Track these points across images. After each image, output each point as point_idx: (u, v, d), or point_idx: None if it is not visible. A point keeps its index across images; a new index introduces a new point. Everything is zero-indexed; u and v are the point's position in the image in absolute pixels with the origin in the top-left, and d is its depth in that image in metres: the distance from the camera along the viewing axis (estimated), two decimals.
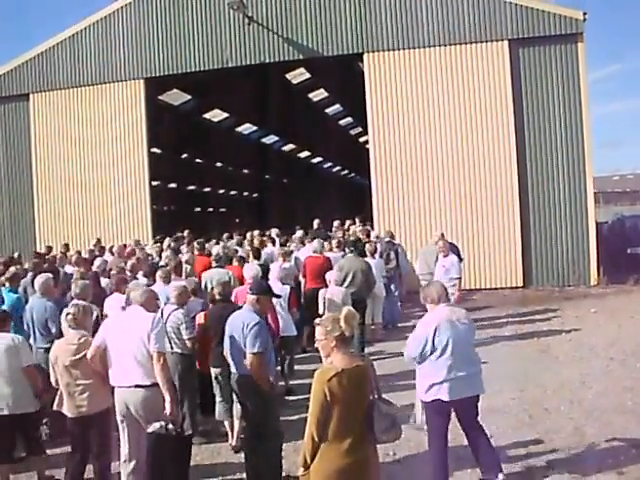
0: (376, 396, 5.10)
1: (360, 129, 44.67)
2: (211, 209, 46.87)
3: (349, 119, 45.82)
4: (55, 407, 6.90)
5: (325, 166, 60.38)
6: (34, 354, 8.28)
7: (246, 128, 43.00)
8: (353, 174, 62.88)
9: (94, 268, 12.43)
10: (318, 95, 39.17)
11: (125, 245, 16.89)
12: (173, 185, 39.30)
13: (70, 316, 6.88)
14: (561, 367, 10.93)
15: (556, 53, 18.88)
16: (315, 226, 19.75)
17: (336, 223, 19.70)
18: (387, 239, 15.70)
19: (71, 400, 6.69)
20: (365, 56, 20.16)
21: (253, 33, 20.52)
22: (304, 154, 54.15)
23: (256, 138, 45.66)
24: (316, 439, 4.82)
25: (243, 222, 25.13)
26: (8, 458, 7.20)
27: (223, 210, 47.92)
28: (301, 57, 20.99)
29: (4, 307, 8.31)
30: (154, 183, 24.02)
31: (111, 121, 21.77)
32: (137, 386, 6.45)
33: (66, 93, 22.10)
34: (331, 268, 12.40)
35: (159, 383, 6.39)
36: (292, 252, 14.28)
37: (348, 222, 20.89)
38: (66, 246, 17.96)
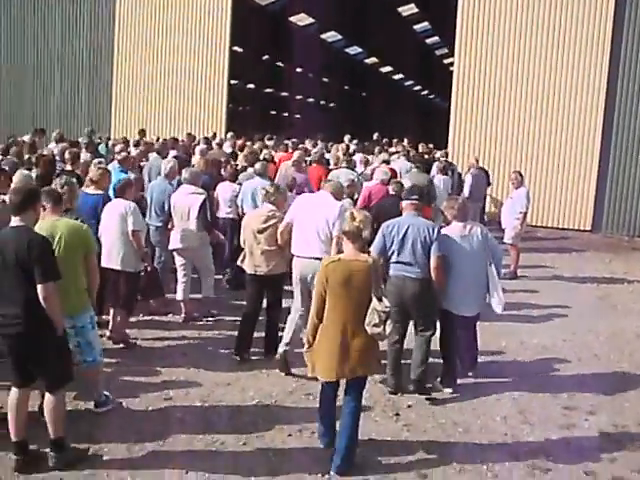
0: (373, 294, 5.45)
1: (446, 50, 43.45)
2: (286, 114, 46.70)
3: (436, 38, 44.55)
4: (239, 262, 8.21)
5: (406, 84, 59.24)
6: (148, 231, 9.35)
7: (331, 36, 42.32)
8: (433, 95, 61.64)
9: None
10: (407, 10, 38.03)
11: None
12: (251, 86, 39.17)
13: (265, 191, 8.15)
14: (618, 316, 10.78)
15: None
16: (374, 138, 21.09)
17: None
18: (443, 158, 16.82)
19: (251, 259, 7.95)
20: None
21: None
22: (386, 69, 53.15)
23: (340, 47, 44.93)
24: (315, 319, 5.62)
25: (318, 130, 25.00)
26: (122, 304, 8.33)
27: (298, 116, 47.70)
28: None
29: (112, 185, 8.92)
30: (232, 82, 23.97)
31: (197, 15, 21.67)
32: (315, 258, 7.19)
33: None
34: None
35: None
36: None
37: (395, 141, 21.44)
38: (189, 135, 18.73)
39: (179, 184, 9.71)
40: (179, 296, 9.39)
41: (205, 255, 9.46)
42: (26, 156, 11.63)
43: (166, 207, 9.55)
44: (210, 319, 9.47)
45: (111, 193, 8.74)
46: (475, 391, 7.43)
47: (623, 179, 18.50)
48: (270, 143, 17.87)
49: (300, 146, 16.75)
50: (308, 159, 14.14)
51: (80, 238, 6.15)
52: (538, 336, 9.43)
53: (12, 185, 7.50)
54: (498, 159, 19.19)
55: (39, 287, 5.19)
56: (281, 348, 7.74)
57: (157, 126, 21.87)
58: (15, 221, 5.38)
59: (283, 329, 8.05)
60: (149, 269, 8.70)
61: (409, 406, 6.95)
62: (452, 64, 21.18)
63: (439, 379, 7.47)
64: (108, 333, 8.32)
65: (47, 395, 5.50)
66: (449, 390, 7.35)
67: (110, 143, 16.40)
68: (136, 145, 15.20)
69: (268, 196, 8.07)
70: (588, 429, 6.66)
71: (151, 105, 22.49)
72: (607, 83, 18.28)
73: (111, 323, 8.36)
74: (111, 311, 8.37)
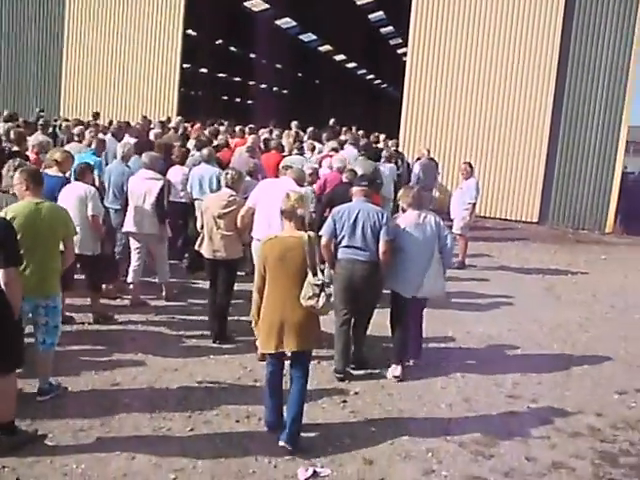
0: (309, 268, 5.65)
1: (400, 40, 43.66)
2: (238, 99, 46.40)
3: (390, 28, 44.68)
4: (196, 247, 8.32)
5: (359, 72, 59.36)
6: (108, 214, 9.50)
7: (285, 22, 42.12)
8: (385, 84, 61.89)
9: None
10: None
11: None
12: (204, 70, 38.80)
13: (229, 176, 8.16)
14: (561, 307, 11.02)
15: None
16: (330, 124, 20.81)
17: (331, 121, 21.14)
18: (393, 148, 16.90)
19: (210, 244, 8.02)
20: None
21: None
22: (340, 57, 53.16)
23: (294, 34, 44.75)
24: (257, 296, 5.89)
25: (269, 116, 24.93)
26: (67, 287, 7.98)
27: (250, 102, 47.43)
28: None
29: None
30: (185, 65, 23.72)
31: None
32: None
33: None
34: None
35: None
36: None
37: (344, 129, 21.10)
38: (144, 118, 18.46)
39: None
40: (129, 278, 9.38)
41: (160, 241, 9.42)
42: None
43: (125, 189, 9.54)
44: (163, 303, 9.49)
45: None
46: (421, 379, 7.53)
47: (569, 174, 18.89)
48: (222, 128, 17.80)
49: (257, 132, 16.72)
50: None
51: (62, 221, 6.24)
52: (484, 325, 9.60)
53: None
54: (448, 150, 19.43)
55: (1, 272, 5.13)
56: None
57: (107, 108, 21.52)
58: None
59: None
60: (107, 252, 8.79)
61: (356, 393, 7.01)
62: (405, 54, 21.29)
63: (390, 367, 7.58)
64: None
65: None
66: (398, 371, 7.47)
67: (64, 125, 16.13)
68: (86, 128, 14.97)
69: (232, 181, 8.14)
70: (530, 417, 6.80)
71: (101, 87, 22.13)
72: (556, 78, 18.62)
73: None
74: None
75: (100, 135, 12.64)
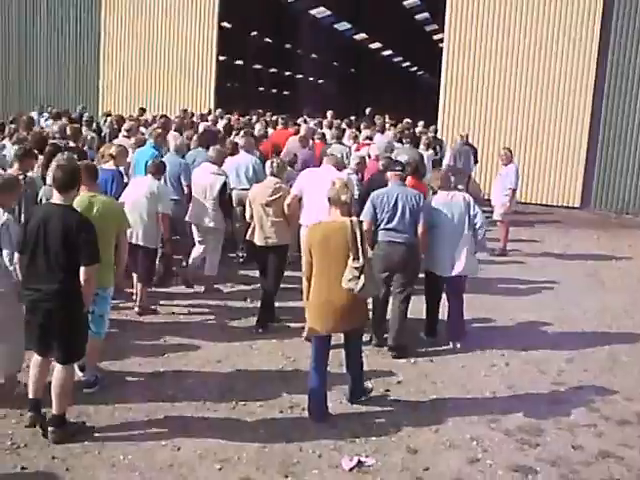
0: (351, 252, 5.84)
1: (435, 26, 43.21)
2: (274, 90, 46.42)
3: (426, 14, 44.25)
4: (247, 237, 8.55)
5: (395, 60, 58.98)
6: None
7: (319, 12, 41.95)
8: (422, 72, 61.43)
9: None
10: None
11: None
12: (239, 62, 38.86)
13: (275, 165, 8.36)
14: (605, 293, 10.85)
15: None
16: (367, 113, 20.73)
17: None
18: (432, 134, 16.91)
19: (261, 232, 8.22)
20: None
21: None
22: (375, 45, 52.85)
23: (328, 23, 44.57)
24: (304, 278, 6.10)
25: (307, 106, 24.87)
26: (140, 278, 8.58)
27: (286, 93, 47.43)
28: None
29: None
30: (221, 58, 23.78)
31: None
32: None
33: None
34: None
35: None
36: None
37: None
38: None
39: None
40: (189, 260, 9.79)
41: (217, 235, 9.56)
42: (23, 133, 11.56)
43: (182, 180, 9.82)
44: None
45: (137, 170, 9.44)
46: (465, 367, 7.50)
47: (612, 157, 18.52)
48: (267, 119, 17.90)
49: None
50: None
51: (115, 215, 6.42)
52: (527, 311, 9.49)
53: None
54: (488, 136, 19.18)
55: (83, 269, 5.29)
56: None
57: (145, 102, 21.61)
58: (58, 198, 5.44)
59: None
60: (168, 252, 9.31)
61: (399, 382, 6.99)
62: (442, 40, 21.03)
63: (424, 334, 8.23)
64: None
65: (58, 369, 5.54)
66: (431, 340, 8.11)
67: (108, 120, 16.31)
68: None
69: (277, 169, 8.37)
70: (576, 404, 6.71)
71: (138, 82, 22.28)
72: (597, 61, 18.24)
73: None
74: None
75: (142, 129, 12.77)
